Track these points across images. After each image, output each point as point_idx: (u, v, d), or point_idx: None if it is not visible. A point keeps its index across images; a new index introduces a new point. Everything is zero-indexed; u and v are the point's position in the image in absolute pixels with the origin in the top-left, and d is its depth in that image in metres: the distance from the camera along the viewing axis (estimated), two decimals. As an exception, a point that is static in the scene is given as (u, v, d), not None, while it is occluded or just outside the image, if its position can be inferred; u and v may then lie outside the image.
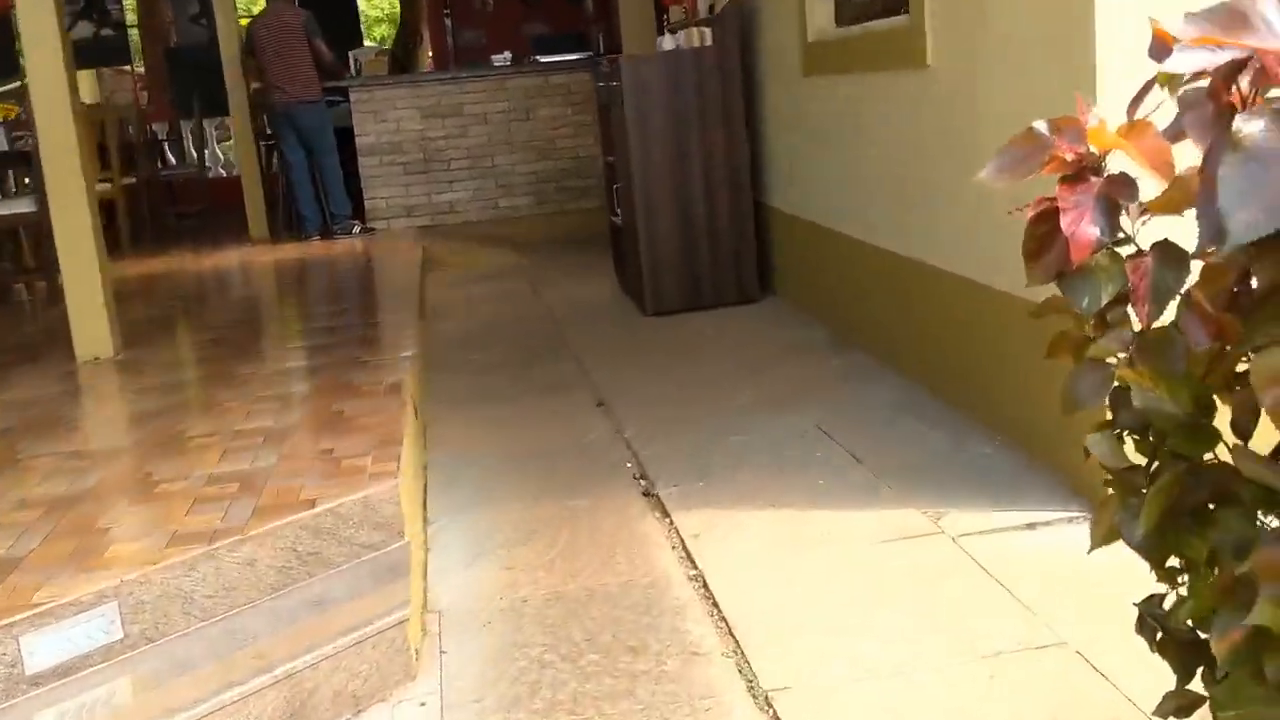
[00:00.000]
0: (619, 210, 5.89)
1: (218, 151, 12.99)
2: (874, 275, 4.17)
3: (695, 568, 2.62)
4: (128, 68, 13.09)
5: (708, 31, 5.28)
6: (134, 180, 9.00)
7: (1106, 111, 1.19)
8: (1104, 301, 1.21)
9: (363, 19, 22.75)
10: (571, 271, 7.06)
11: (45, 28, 4.07)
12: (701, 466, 3.28)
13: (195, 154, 11.08)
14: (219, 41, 8.44)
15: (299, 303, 5.58)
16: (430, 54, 12.41)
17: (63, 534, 2.36)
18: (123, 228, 8.48)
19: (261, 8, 8.33)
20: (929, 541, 2.65)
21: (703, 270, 5.46)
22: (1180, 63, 0.93)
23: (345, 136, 8.56)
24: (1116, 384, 1.20)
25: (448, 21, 11.58)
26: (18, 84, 12.68)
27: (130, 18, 12.91)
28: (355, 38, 12.34)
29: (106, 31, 11.93)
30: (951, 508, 2.81)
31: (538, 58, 8.94)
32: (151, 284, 6.57)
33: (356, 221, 8.27)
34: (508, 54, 8.92)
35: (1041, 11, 2.80)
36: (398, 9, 14.64)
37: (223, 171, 12.75)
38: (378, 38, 22.60)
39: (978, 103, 3.22)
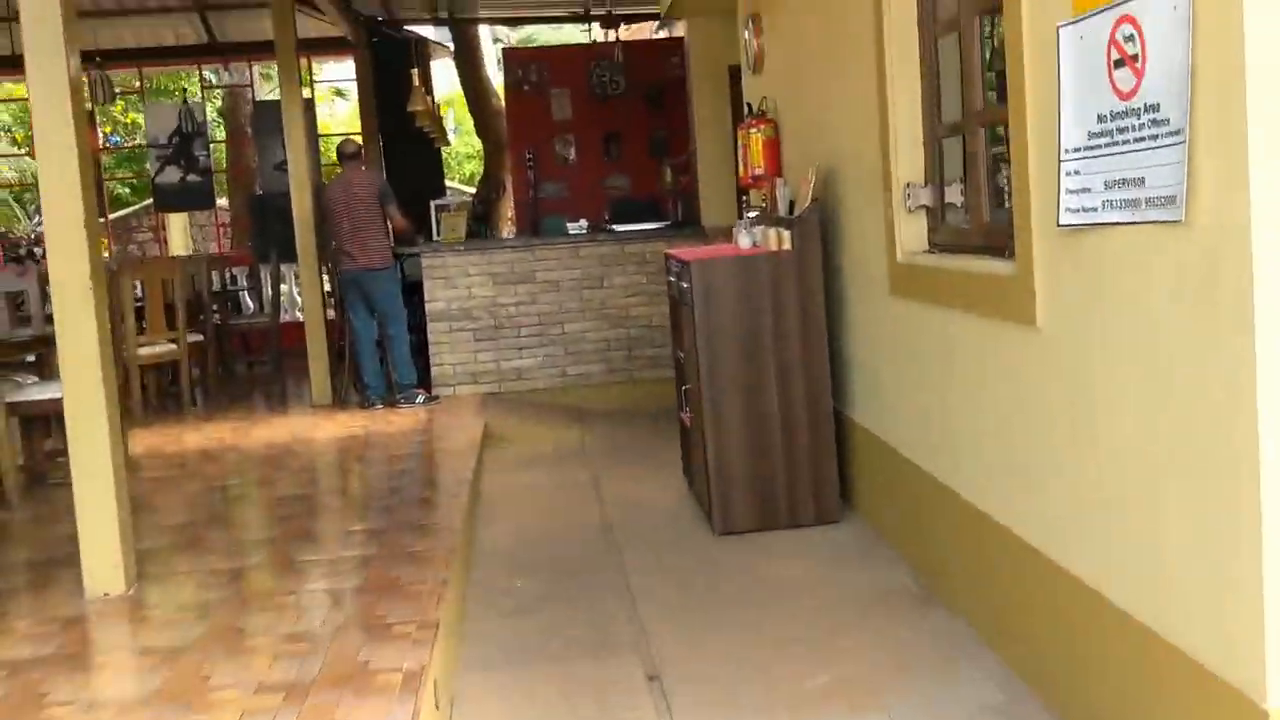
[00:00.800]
0: (687, 408, 5.47)
1: (295, 295, 12.96)
2: (967, 532, 3.65)
3: None
4: (211, 213, 13.24)
5: (786, 234, 4.90)
6: (201, 337, 8.85)
7: None
8: None
9: (453, 157, 23.15)
10: (637, 458, 6.63)
11: (67, 185, 3.79)
12: (763, 799, 2.75)
13: (270, 301, 10.98)
14: (291, 193, 8.34)
15: (338, 508, 5.22)
16: (511, 206, 12.32)
17: None
18: (185, 389, 8.31)
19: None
20: None
21: (777, 486, 4.98)
22: None
23: (417, 290, 8.38)
24: None
25: (530, 174, 11.47)
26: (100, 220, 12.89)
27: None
28: (438, 186, 12.30)
29: (193, 177, 12.08)
30: None
31: (613, 227, 8.70)
32: (194, 466, 6.28)
33: (421, 390, 7.98)
34: (583, 222, 8.69)
35: (1178, 286, 2.33)
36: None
37: (299, 315, 12.69)
38: (468, 173, 22.92)
39: (1095, 380, 2.73)
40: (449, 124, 18.72)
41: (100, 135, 22.68)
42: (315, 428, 7.36)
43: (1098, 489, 2.78)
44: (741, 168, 6.35)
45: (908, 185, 4.09)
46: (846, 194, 4.89)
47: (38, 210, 16.41)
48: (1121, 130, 2.51)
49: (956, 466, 3.78)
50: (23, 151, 17.52)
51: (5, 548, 4.76)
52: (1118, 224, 2.55)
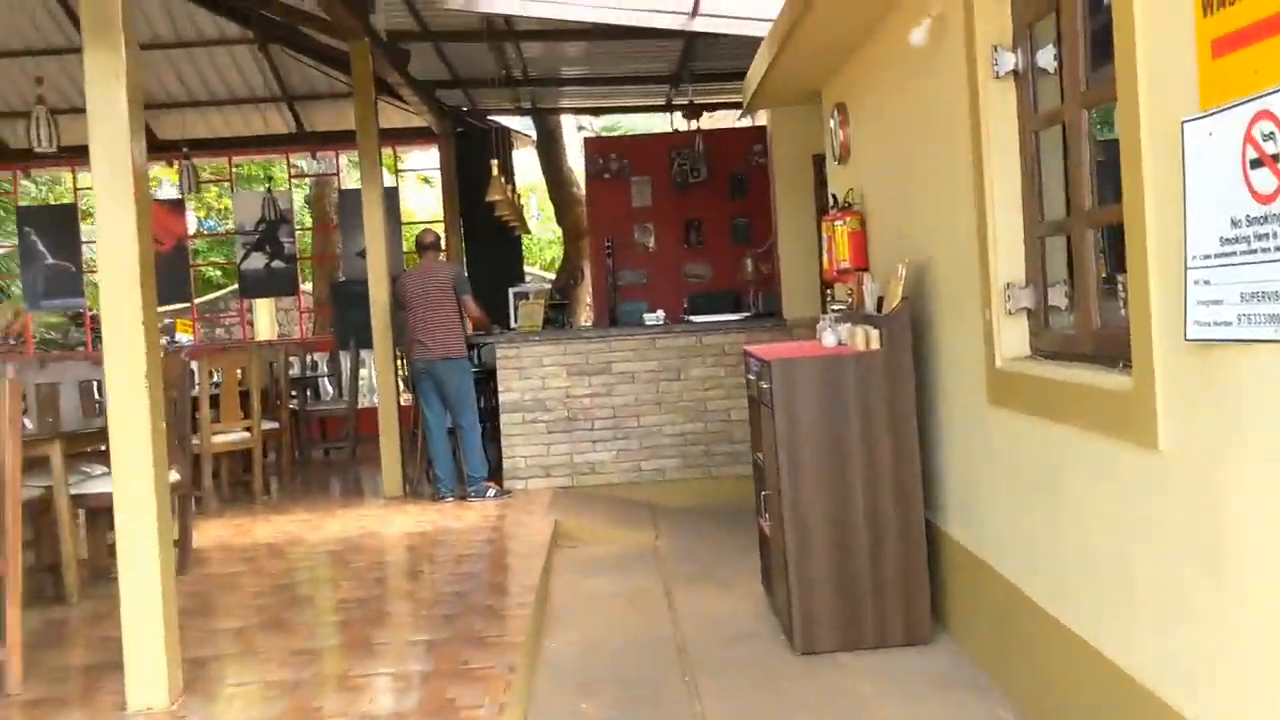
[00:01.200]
0: (766, 514, 5.17)
1: (374, 381, 12.94)
2: (1077, 669, 3.29)
3: None
4: (295, 298, 13.36)
5: (875, 334, 4.63)
6: (276, 424, 8.80)
7: None
8: None
9: (535, 243, 23.30)
10: (713, 563, 6.32)
11: (126, 279, 3.68)
12: None
13: (348, 387, 10.95)
14: (369, 280, 8.31)
15: (400, 614, 4.98)
16: (590, 293, 12.22)
17: None
18: (257, 478, 8.22)
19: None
20: None
21: (863, 602, 4.64)
22: None
23: (491, 379, 8.27)
24: None
25: (609, 261, 11.37)
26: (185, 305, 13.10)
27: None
28: (517, 273, 12.28)
29: (278, 264, 12.20)
30: None
31: (691, 318, 8.52)
32: (260, 562, 6.12)
33: (492, 484, 7.79)
34: (660, 313, 8.51)
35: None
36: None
37: (376, 401, 12.66)
38: (550, 259, 23.04)
39: (1230, 516, 2.41)
40: (531, 211, 18.84)
41: (195, 220, 23.33)
42: (385, 522, 7.19)
43: (1233, 640, 2.43)
44: (826, 260, 6.12)
45: (1007, 286, 3.81)
46: (940, 292, 4.61)
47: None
48: (1260, 237, 2.22)
49: (1064, 595, 3.43)
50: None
51: (57, 648, 4.61)
52: (1259, 341, 2.25)
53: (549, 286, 12.96)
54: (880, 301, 4.94)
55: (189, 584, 5.61)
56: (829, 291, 6.66)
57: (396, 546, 6.51)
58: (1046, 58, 3.64)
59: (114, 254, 3.68)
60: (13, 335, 15.61)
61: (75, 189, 13.25)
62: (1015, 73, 3.79)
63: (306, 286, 14.65)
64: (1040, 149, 3.75)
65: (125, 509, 3.72)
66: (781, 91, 7.12)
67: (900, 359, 4.59)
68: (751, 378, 5.32)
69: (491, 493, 7.73)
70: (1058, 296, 3.67)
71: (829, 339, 5.03)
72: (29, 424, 5.92)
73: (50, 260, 12.05)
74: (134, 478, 3.70)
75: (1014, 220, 3.80)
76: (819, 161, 7.73)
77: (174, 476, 5.85)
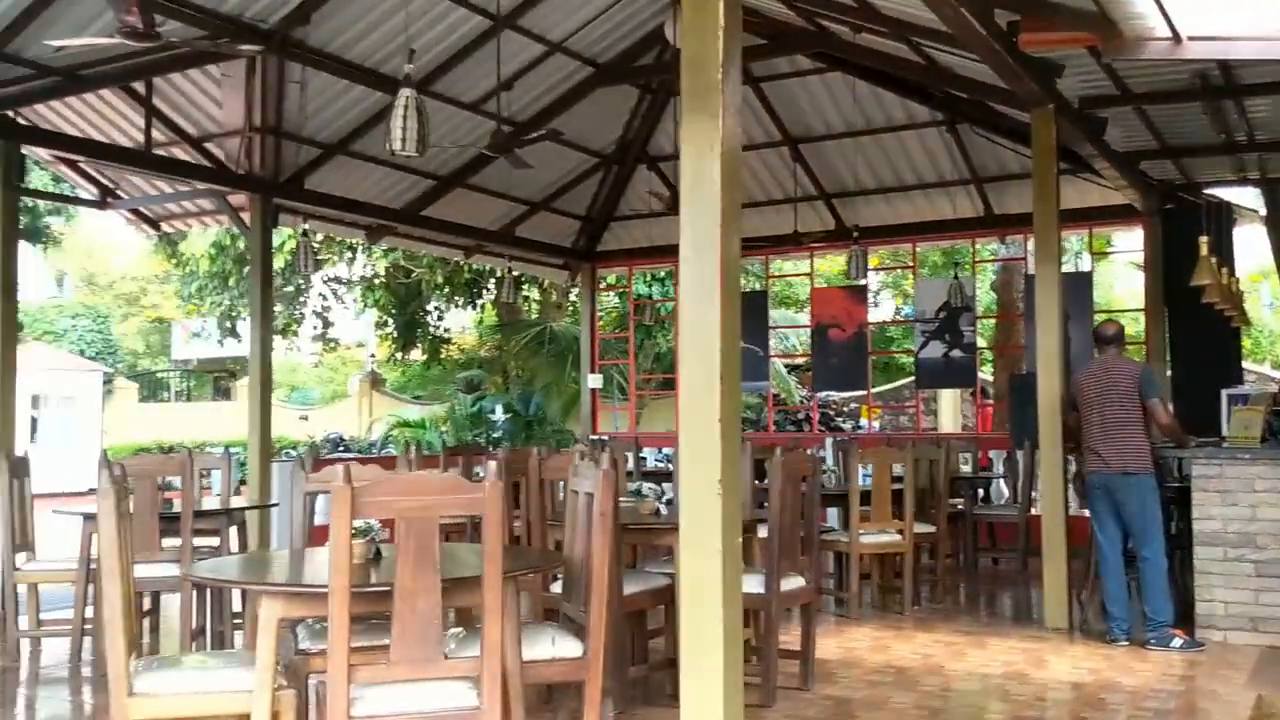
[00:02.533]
0: None
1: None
2: None
3: None
4: (971, 392, 12.64)
5: None
6: (934, 529, 8.11)
7: None
8: None
9: (1264, 335, 20.14)
10: None
11: (706, 379, 3.29)
12: None
13: (1021, 490, 9.93)
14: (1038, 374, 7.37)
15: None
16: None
17: None
18: (907, 585, 7.59)
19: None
20: None
21: None
22: None
23: (1184, 501, 6.84)
24: None
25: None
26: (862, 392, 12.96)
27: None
28: (1234, 371, 10.32)
29: (956, 353, 11.59)
30: None
31: None
32: (884, 690, 5.44)
33: (1179, 633, 6.34)
34: None
35: None
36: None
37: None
38: (1284, 356, 19.78)
39: None
40: (1260, 299, 16.19)
41: (894, 307, 23.70)
42: (1038, 661, 6.13)
43: None
44: None
45: None
46: None
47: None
48: None
49: None
50: (804, 324, 18.59)
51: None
52: None
53: (1275, 389, 10.77)
54: None
55: (803, 706, 5.13)
56: None
57: (1045, 700, 5.43)
58: None
59: (695, 348, 3.32)
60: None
61: (766, 276, 13.92)
62: None
63: (988, 376, 13.88)
64: None
65: (690, 632, 3.29)
66: None
67: None
68: None
69: (1177, 643, 6.28)
70: None
71: None
72: (664, 510, 5.91)
73: (742, 345, 12.65)
74: (699, 598, 3.25)
75: None
76: None
77: (797, 582, 5.45)
